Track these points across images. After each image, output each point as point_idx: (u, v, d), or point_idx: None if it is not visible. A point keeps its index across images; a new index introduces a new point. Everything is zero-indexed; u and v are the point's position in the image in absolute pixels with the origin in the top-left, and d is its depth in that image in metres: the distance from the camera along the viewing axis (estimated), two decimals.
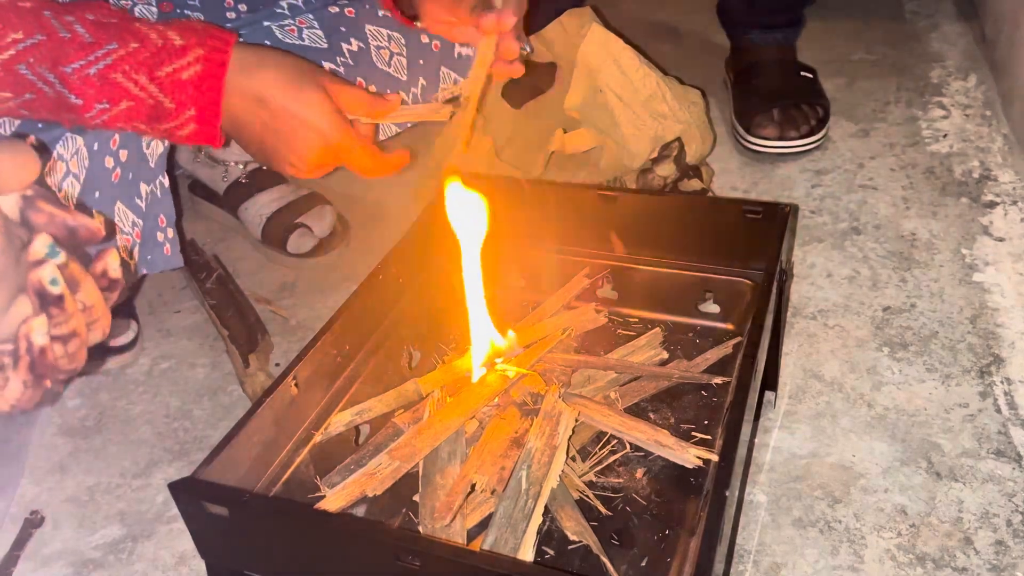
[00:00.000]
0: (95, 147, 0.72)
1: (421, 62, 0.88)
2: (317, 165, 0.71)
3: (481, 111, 0.81)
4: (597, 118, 0.96)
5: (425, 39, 0.88)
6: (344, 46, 0.84)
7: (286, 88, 0.68)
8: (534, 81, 1.07)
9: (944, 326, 0.94)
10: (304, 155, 0.69)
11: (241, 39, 0.79)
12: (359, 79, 0.85)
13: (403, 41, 0.87)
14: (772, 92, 1.25)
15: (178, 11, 0.83)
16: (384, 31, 0.86)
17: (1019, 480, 0.77)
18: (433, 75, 0.90)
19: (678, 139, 1.02)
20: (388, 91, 0.87)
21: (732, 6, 1.34)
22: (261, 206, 1.14)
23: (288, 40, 0.81)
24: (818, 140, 1.24)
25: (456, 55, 0.90)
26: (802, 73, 1.30)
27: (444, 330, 0.83)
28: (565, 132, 0.98)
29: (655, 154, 1.00)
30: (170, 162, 0.88)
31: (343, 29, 0.84)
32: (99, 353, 0.99)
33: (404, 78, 0.88)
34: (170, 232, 0.83)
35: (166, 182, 0.81)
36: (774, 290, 0.72)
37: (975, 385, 0.86)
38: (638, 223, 0.84)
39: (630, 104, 0.95)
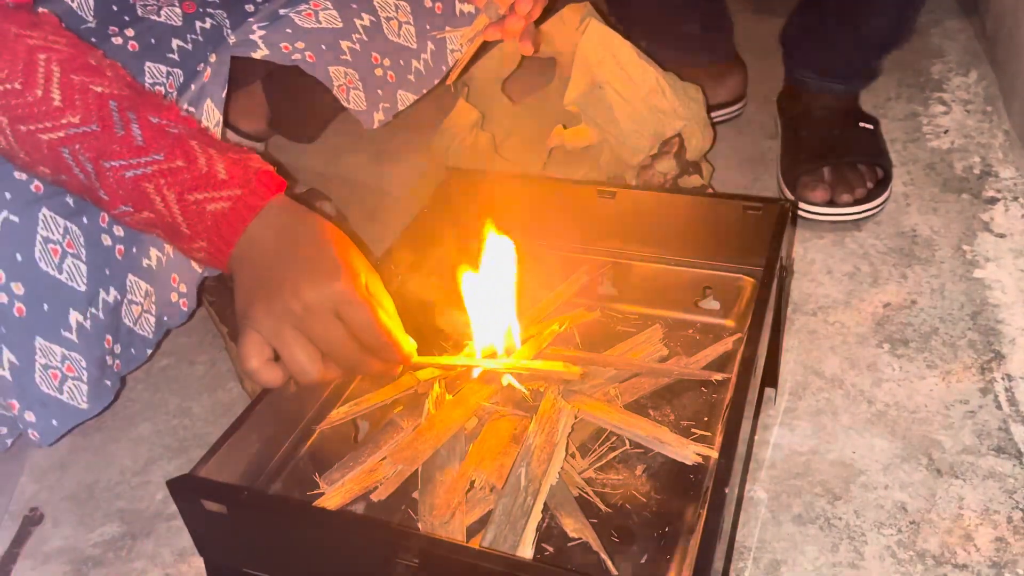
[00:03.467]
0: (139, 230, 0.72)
1: (428, 27, 0.89)
2: (305, 310, 0.58)
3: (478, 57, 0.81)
4: (596, 114, 0.95)
5: (428, 3, 0.89)
6: (357, 22, 0.85)
7: (313, 230, 0.63)
8: (533, 76, 1.07)
9: (945, 322, 0.93)
10: (298, 292, 0.58)
11: (261, 31, 0.78)
12: (374, 54, 0.86)
13: (408, 8, 0.88)
14: (823, 148, 1.09)
15: (200, 10, 0.82)
16: (391, 1, 0.86)
17: (1020, 477, 0.76)
18: (439, 39, 0.91)
19: (678, 135, 1.01)
20: (401, 61, 0.88)
21: (796, 40, 1.17)
22: None
23: (306, 25, 0.82)
24: (876, 207, 1.08)
25: (457, 13, 0.91)
26: (861, 124, 1.14)
27: (444, 327, 0.82)
28: (565, 128, 0.98)
29: (655, 150, 0.99)
30: None
31: (354, 6, 0.85)
32: None
33: (414, 46, 0.89)
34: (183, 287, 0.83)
35: None
36: (774, 286, 0.72)
37: (976, 382, 0.86)
38: (638, 219, 0.84)
39: (630, 100, 0.94)
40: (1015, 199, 1.10)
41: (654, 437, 0.67)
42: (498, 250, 0.71)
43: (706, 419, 0.73)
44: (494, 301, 0.71)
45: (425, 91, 0.91)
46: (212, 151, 0.63)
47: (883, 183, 1.09)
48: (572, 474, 0.67)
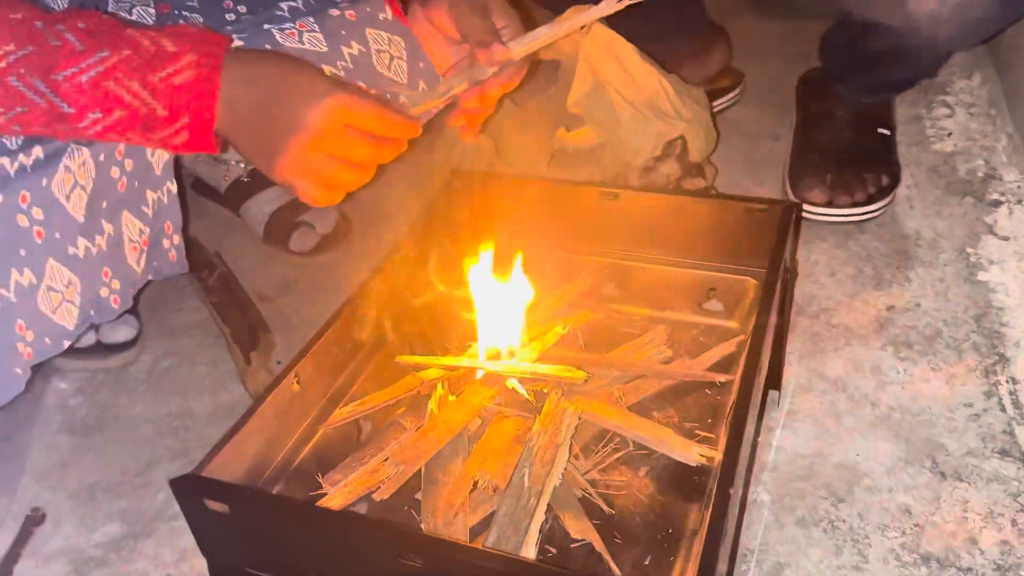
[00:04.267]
0: (101, 158, 0.71)
1: (421, 65, 0.87)
2: (320, 136, 0.65)
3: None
4: (600, 116, 0.95)
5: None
6: (345, 50, 0.83)
7: (283, 66, 0.66)
8: (537, 79, 1.07)
9: (949, 325, 0.93)
10: (305, 124, 0.64)
11: (239, 40, 0.79)
12: (360, 83, 0.84)
13: (403, 44, 0.86)
14: (832, 151, 1.09)
15: (176, 12, 0.82)
16: (384, 34, 0.85)
17: None
18: (432, 77, 0.89)
19: (681, 137, 1.01)
20: (389, 95, 0.86)
21: (833, 53, 1.13)
22: (263, 204, 1.14)
23: (288, 44, 0.81)
24: (875, 211, 1.07)
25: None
26: (879, 130, 1.12)
27: (446, 327, 0.82)
28: (568, 130, 0.98)
29: (658, 152, 0.99)
30: (178, 167, 0.87)
31: (344, 32, 0.83)
32: (100, 351, 0.99)
33: (404, 81, 0.87)
34: (176, 238, 0.82)
35: (173, 188, 0.81)
36: (778, 288, 0.72)
37: (980, 384, 0.86)
38: (641, 221, 0.84)
39: (633, 102, 0.94)
40: (1019, 202, 1.10)
41: (658, 439, 0.67)
42: (500, 256, 0.71)
43: (710, 421, 0.73)
44: (498, 302, 0.71)
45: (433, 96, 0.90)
46: (151, 32, 0.64)
47: (887, 189, 1.08)
48: (575, 475, 0.67)
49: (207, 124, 0.64)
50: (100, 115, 0.63)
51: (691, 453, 0.65)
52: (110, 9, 0.81)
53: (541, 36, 0.74)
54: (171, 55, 0.63)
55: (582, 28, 0.95)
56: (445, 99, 0.74)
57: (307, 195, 0.67)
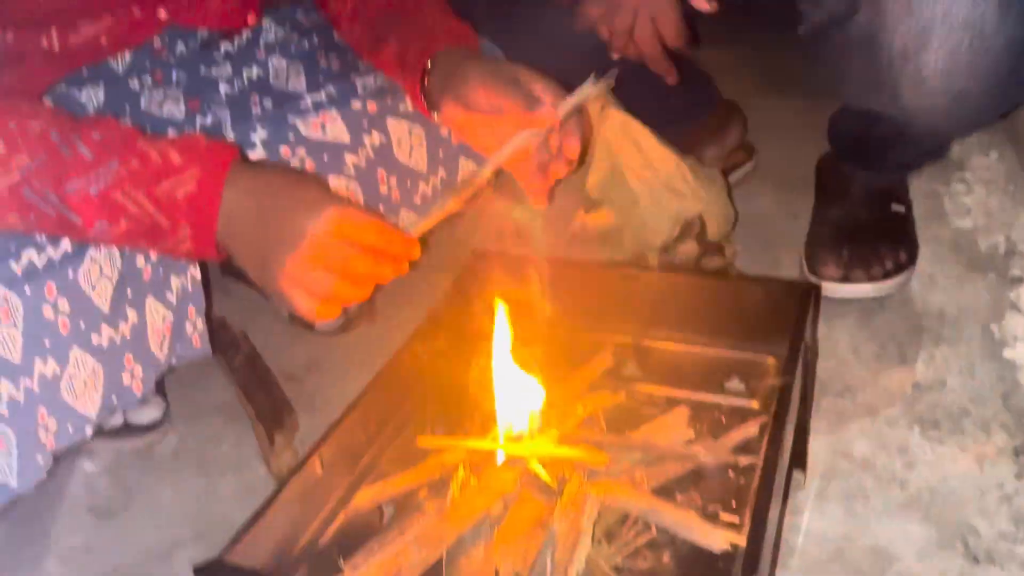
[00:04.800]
0: (126, 248, 0.74)
1: (441, 154, 0.90)
2: (318, 248, 0.63)
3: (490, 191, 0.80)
4: (618, 198, 0.98)
5: (444, 132, 0.90)
6: (366, 139, 0.86)
7: (285, 178, 0.67)
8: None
9: (976, 404, 0.92)
10: (304, 235, 0.63)
11: (263, 132, 0.80)
12: (380, 171, 0.87)
13: (423, 133, 0.88)
14: (846, 227, 1.10)
15: (205, 107, 0.86)
16: (405, 124, 0.87)
17: None
18: (452, 165, 0.92)
19: (699, 216, 1.03)
20: (409, 182, 0.89)
21: (840, 133, 1.15)
22: None
23: (312, 135, 0.83)
24: (893, 287, 1.07)
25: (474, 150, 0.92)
26: (893, 207, 1.14)
27: (469, 409, 0.83)
28: (587, 212, 1.00)
29: (676, 232, 1.01)
30: None
31: (365, 123, 0.86)
32: (127, 431, 1.00)
33: (424, 169, 0.90)
34: (199, 323, 0.83)
35: (198, 275, 0.82)
36: (799, 368, 0.72)
37: (1010, 465, 0.84)
38: (662, 301, 0.85)
39: (650, 183, 0.96)
40: None
41: (681, 523, 0.66)
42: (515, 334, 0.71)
43: (734, 504, 0.72)
44: (519, 383, 0.71)
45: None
46: (160, 144, 0.67)
47: (904, 265, 1.09)
48: (598, 561, 0.66)
49: (208, 234, 0.66)
50: (107, 225, 0.66)
51: (715, 538, 0.64)
52: (143, 107, 0.85)
53: (579, 95, 0.74)
54: (176, 167, 0.65)
55: (602, 108, 0.99)
56: (444, 214, 0.73)
57: (303, 308, 0.65)
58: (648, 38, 1.00)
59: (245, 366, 1.04)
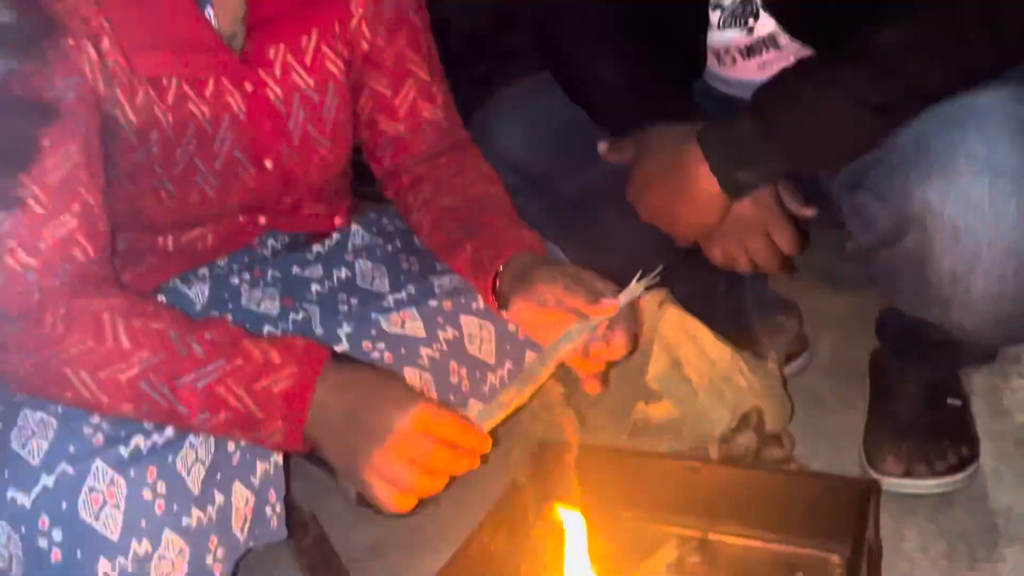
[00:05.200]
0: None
1: (508, 347, 0.96)
2: (404, 441, 0.69)
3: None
4: (677, 391, 1.01)
5: (512, 327, 0.96)
6: (440, 334, 0.92)
7: (373, 377, 0.75)
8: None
9: None
10: (391, 429, 0.69)
11: (348, 327, 0.88)
12: (452, 363, 0.93)
13: (492, 329, 0.95)
14: (904, 423, 1.11)
15: (297, 305, 0.94)
16: (476, 320, 0.94)
17: None
18: (519, 358, 0.97)
19: (756, 408, 1.06)
20: (478, 374, 0.95)
21: (889, 332, 1.18)
22: None
23: (392, 331, 0.91)
24: (957, 483, 1.07)
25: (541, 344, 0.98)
26: (949, 401, 1.15)
27: None
28: (647, 403, 1.04)
29: (735, 423, 1.03)
30: None
31: (440, 320, 0.92)
32: None
33: (492, 362, 0.95)
34: (278, 507, 0.87)
35: (280, 460, 0.87)
36: (864, 568, 0.72)
37: None
38: (723, 494, 0.87)
39: (708, 376, 1.00)
40: None
41: None
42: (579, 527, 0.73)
43: None
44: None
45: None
46: (263, 343, 0.75)
47: (967, 460, 1.08)
48: None
49: (298, 428, 0.73)
50: (208, 416, 0.73)
51: None
52: (242, 303, 0.94)
53: (633, 290, 0.81)
54: (276, 365, 0.73)
55: (660, 305, 1.04)
56: (512, 408, 0.78)
57: (384, 497, 0.70)
58: (766, 253, 0.99)
59: (313, 548, 1.06)
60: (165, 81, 0.85)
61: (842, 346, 1.45)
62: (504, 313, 0.91)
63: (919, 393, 1.14)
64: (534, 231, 0.95)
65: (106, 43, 0.81)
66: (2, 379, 0.80)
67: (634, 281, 0.81)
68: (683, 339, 1.01)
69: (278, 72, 0.91)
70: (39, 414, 0.77)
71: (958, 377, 1.20)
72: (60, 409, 0.77)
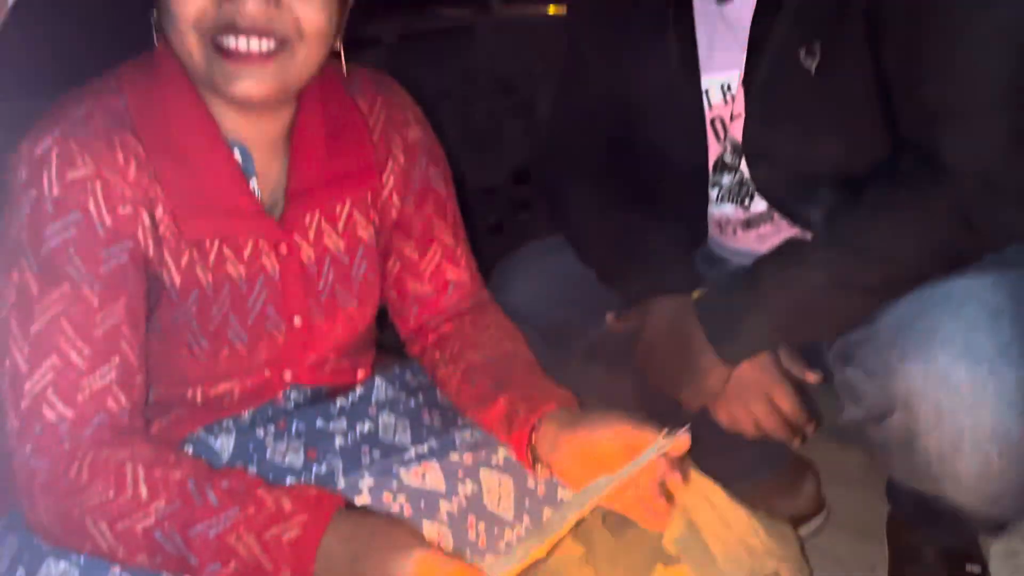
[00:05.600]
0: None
1: (527, 503, 0.97)
2: None
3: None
4: (694, 553, 1.01)
5: (531, 484, 0.97)
6: (460, 488, 0.93)
7: (381, 524, 0.75)
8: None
9: None
10: (395, 565, 0.70)
11: (370, 479, 0.89)
12: (471, 517, 0.94)
13: (512, 484, 0.96)
14: None
15: (321, 457, 0.96)
16: (496, 475, 0.95)
17: None
18: (537, 515, 0.98)
19: (775, 572, 1.04)
20: (496, 529, 0.95)
21: (900, 500, 1.19)
22: None
23: (412, 483, 0.92)
24: None
25: (559, 500, 0.98)
26: (968, 567, 1.16)
27: None
28: (665, 566, 1.03)
29: None
30: None
31: (460, 473, 0.94)
32: None
33: (510, 518, 0.96)
34: None
35: None
36: None
37: None
38: None
39: (725, 540, 1.00)
40: None
41: None
42: None
43: None
44: None
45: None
46: (277, 491, 0.77)
47: None
48: None
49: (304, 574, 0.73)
50: (219, 567, 0.74)
51: None
52: (267, 456, 0.96)
53: (660, 448, 0.83)
54: (287, 514, 0.75)
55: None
56: (528, 561, 0.78)
57: None
58: (769, 417, 1.02)
59: None
60: (208, 244, 0.91)
61: (860, 504, 1.43)
62: (537, 469, 0.92)
63: (937, 560, 1.14)
64: (567, 389, 0.97)
65: (160, 210, 0.87)
66: (28, 527, 0.82)
67: (661, 436, 0.84)
68: (699, 502, 1.01)
69: (312, 236, 0.96)
70: (62, 564, 0.79)
71: (976, 542, 1.19)
72: (82, 560, 0.79)
